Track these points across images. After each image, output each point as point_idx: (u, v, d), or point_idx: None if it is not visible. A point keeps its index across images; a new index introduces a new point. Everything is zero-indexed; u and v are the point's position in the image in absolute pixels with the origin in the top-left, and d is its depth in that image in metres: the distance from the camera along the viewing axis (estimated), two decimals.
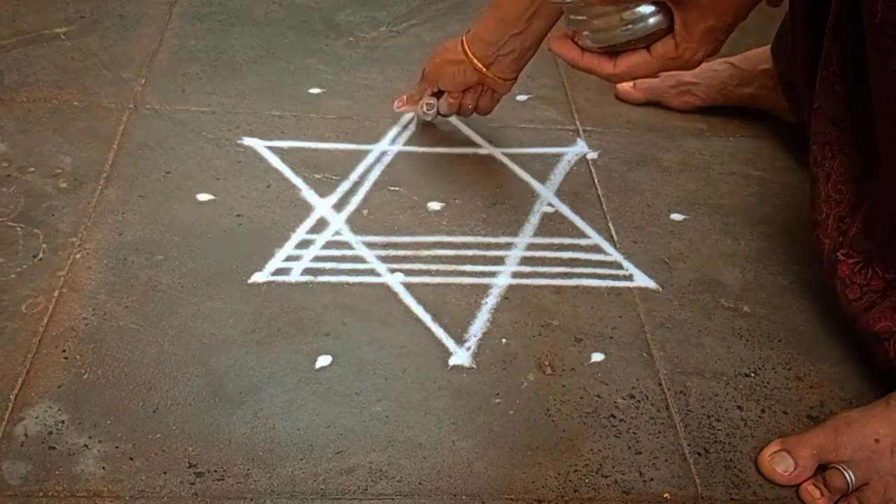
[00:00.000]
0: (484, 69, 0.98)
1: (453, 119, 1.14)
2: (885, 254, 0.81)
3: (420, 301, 0.89)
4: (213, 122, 1.11)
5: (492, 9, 0.96)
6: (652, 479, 0.75)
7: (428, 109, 1.08)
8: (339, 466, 0.73)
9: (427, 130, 1.13)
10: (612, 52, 0.73)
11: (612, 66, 0.73)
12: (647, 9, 0.69)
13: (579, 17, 0.72)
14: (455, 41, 1.00)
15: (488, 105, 1.05)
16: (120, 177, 1.01)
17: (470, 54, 0.98)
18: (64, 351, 0.81)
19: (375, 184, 1.04)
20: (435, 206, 1.01)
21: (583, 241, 0.98)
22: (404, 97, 1.09)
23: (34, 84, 1.15)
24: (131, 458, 0.72)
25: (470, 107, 1.05)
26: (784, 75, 1.07)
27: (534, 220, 1.01)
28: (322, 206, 1.00)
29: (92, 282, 0.87)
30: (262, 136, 1.09)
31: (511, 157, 1.10)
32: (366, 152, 1.09)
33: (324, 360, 0.82)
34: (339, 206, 1.00)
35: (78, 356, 0.80)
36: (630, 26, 0.70)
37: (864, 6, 0.72)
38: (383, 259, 0.94)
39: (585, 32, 0.72)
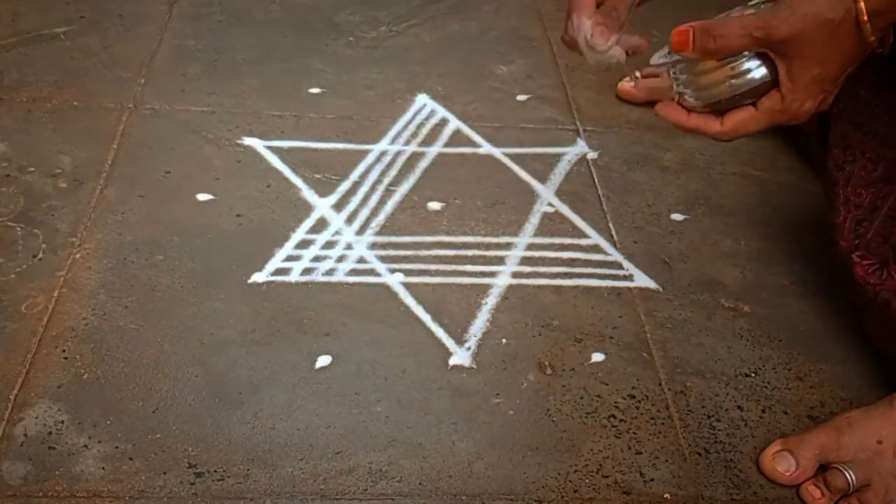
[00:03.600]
0: None
1: (453, 119, 1.14)
2: None
3: (420, 301, 0.89)
4: (212, 122, 1.11)
5: None
6: (652, 480, 0.75)
7: (635, 48, 0.77)
8: (339, 466, 0.73)
9: (426, 131, 1.13)
10: (719, 109, 0.71)
11: (718, 124, 0.71)
12: (751, 63, 0.68)
13: (683, 77, 0.71)
14: None
15: None
16: (120, 177, 1.01)
17: None
18: (64, 351, 0.80)
19: (375, 184, 1.04)
20: (435, 206, 1.01)
21: (583, 241, 0.98)
22: (602, 27, 0.74)
23: (34, 84, 1.15)
24: (131, 458, 0.72)
25: None
26: None
27: (534, 220, 1.01)
28: (322, 206, 1.00)
29: (92, 282, 0.87)
30: (262, 136, 1.09)
31: (511, 157, 1.10)
32: (366, 152, 1.09)
33: (324, 360, 0.82)
34: (338, 206, 1.00)
35: (78, 356, 0.80)
36: (734, 81, 0.68)
37: None
38: (383, 259, 0.94)
39: (690, 91, 0.71)
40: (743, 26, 0.65)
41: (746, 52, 0.67)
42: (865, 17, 0.64)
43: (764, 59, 0.68)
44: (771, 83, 0.68)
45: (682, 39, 0.67)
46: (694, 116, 0.72)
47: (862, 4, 0.63)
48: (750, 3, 0.72)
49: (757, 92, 0.69)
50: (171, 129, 1.09)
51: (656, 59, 0.72)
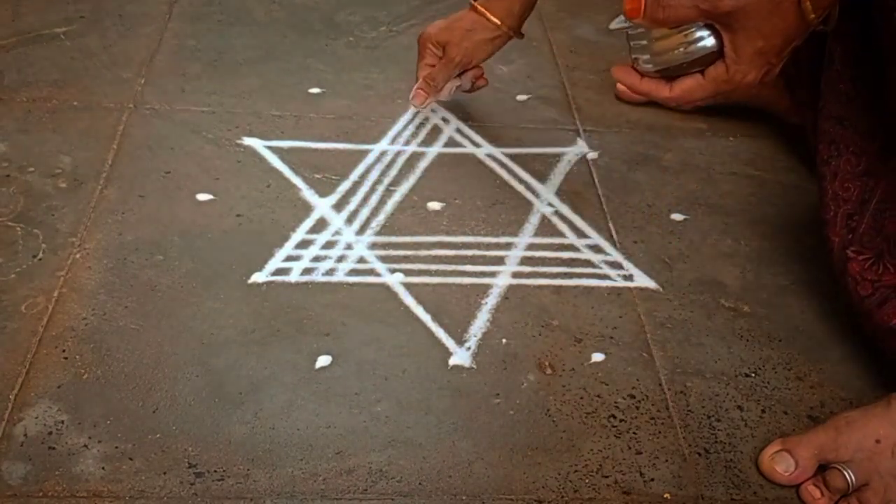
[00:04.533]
0: (513, 33, 1.04)
1: (453, 119, 1.15)
2: (894, 248, 0.81)
3: (420, 301, 0.89)
4: (213, 122, 1.11)
5: None
6: (652, 480, 0.75)
7: (458, 90, 1.11)
8: (339, 466, 0.73)
9: (426, 131, 1.13)
10: (669, 76, 0.76)
11: (668, 89, 0.76)
12: (703, 32, 0.72)
13: (641, 42, 0.76)
14: (463, 20, 1.04)
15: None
16: (120, 177, 1.01)
17: (501, 23, 1.03)
18: (63, 351, 0.80)
19: (375, 184, 1.04)
20: (435, 206, 1.01)
21: (583, 241, 0.98)
22: (420, 91, 1.07)
23: (34, 84, 1.15)
24: (131, 458, 0.72)
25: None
26: (787, 75, 1.08)
27: (534, 220, 1.01)
28: (322, 206, 1.00)
29: (92, 282, 0.87)
30: (262, 136, 1.09)
31: (511, 157, 1.10)
32: (366, 152, 1.09)
33: (324, 360, 0.82)
34: (338, 206, 1.00)
35: (78, 356, 0.80)
36: (688, 48, 0.73)
37: None
38: (383, 259, 0.94)
39: (645, 56, 0.76)
40: None
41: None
42: None
43: (713, 29, 0.72)
44: (719, 53, 0.72)
45: (634, 7, 0.72)
46: (646, 81, 0.78)
47: None
48: None
49: (706, 61, 0.73)
50: (171, 129, 1.09)
51: (615, 23, 0.77)
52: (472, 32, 1.04)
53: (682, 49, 0.73)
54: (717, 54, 0.73)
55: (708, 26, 0.72)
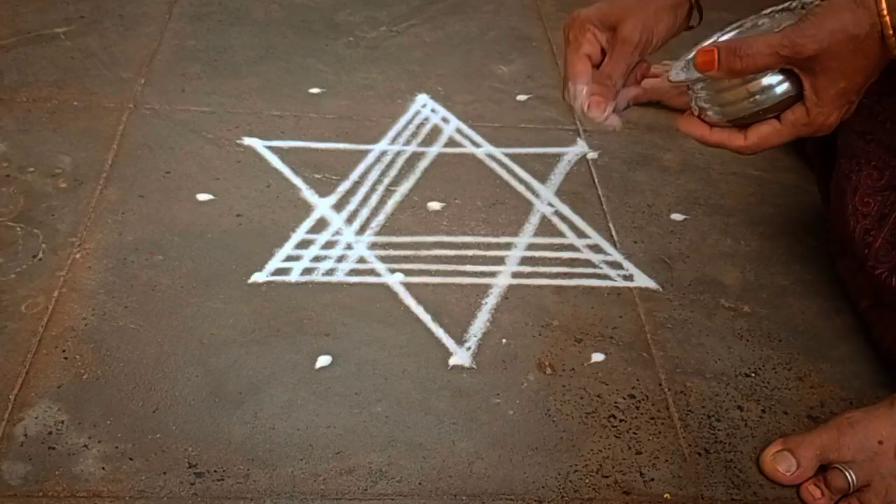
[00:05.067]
0: None
1: (453, 119, 1.15)
2: None
3: (420, 301, 0.89)
4: (212, 122, 1.11)
5: None
6: (652, 480, 0.75)
7: (637, 99, 0.79)
8: (339, 466, 0.73)
9: (426, 131, 1.13)
10: (741, 124, 0.70)
11: (742, 138, 0.70)
12: (773, 79, 0.67)
13: (704, 93, 0.71)
14: None
15: None
16: (120, 177, 1.01)
17: None
18: (64, 351, 0.80)
19: (375, 184, 1.04)
20: (435, 206, 1.01)
21: (583, 241, 0.98)
22: (598, 97, 0.74)
23: (34, 84, 1.15)
24: (131, 459, 0.72)
25: None
26: None
27: (534, 220, 1.01)
28: (322, 206, 1.00)
29: (92, 282, 0.87)
30: (262, 136, 1.09)
31: (511, 157, 1.10)
32: (366, 152, 1.08)
33: (324, 360, 0.82)
34: (338, 206, 1.00)
35: (78, 356, 0.80)
36: (756, 97, 0.68)
37: None
38: (383, 259, 0.94)
39: (711, 107, 0.71)
40: (769, 45, 0.65)
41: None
42: (891, 31, 0.64)
43: (786, 73, 0.67)
44: (794, 97, 0.68)
45: (708, 59, 0.67)
46: (717, 131, 0.71)
47: (887, 19, 0.63)
48: (763, 13, 0.71)
49: (780, 106, 0.68)
50: (171, 129, 1.09)
51: (675, 74, 0.71)
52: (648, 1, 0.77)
53: (751, 99, 0.68)
54: (790, 99, 0.68)
55: (781, 71, 0.67)
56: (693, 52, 0.69)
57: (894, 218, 0.82)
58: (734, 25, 0.72)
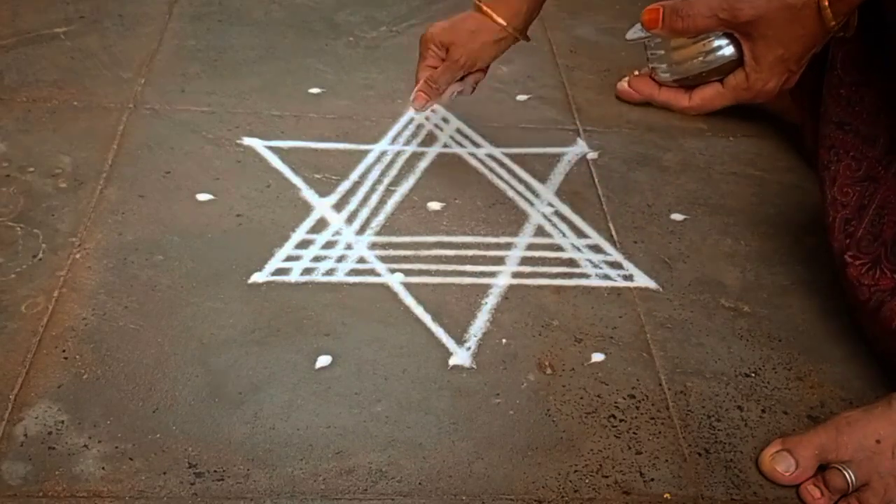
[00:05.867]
0: (519, 35, 1.00)
1: (453, 119, 1.14)
2: (892, 254, 0.81)
3: (420, 301, 0.89)
4: (212, 122, 1.11)
5: None
6: (652, 480, 0.75)
7: (458, 94, 1.03)
8: (339, 466, 0.73)
9: (426, 131, 1.13)
10: (688, 85, 0.75)
11: (686, 99, 0.76)
12: (722, 41, 0.72)
13: (658, 52, 0.76)
14: (467, 21, 1.00)
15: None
16: (120, 177, 1.01)
17: (507, 24, 0.99)
18: (64, 351, 0.80)
19: (375, 184, 1.04)
20: (435, 206, 1.01)
21: (583, 241, 0.98)
22: (421, 93, 1.00)
23: (34, 84, 1.15)
24: (131, 459, 0.72)
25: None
26: None
27: (534, 219, 1.01)
28: (322, 206, 1.00)
29: (92, 282, 0.87)
30: (262, 136, 1.09)
31: (511, 157, 1.10)
32: (366, 152, 1.09)
33: (324, 360, 0.82)
34: (338, 206, 1.00)
35: (78, 356, 0.80)
36: (706, 57, 0.73)
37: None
38: (383, 259, 0.94)
39: (663, 66, 0.76)
40: (709, 7, 0.70)
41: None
42: (826, 2, 0.67)
43: (733, 39, 0.71)
44: (738, 61, 0.72)
45: (652, 17, 0.72)
46: (665, 90, 0.77)
47: None
48: None
49: (724, 70, 0.73)
50: (171, 129, 1.09)
51: (631, 34, 0.77)
52: (477, 34, 0.99)
53: (700, 58, 0.73)
54: (735, 63, 0.72)
55: (726, 35, 0.71)
56: None
57: (874, 209, 0.83)
58: None
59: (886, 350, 0.82)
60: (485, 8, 1.00)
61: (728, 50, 0.72)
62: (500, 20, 1.00)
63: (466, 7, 1.05)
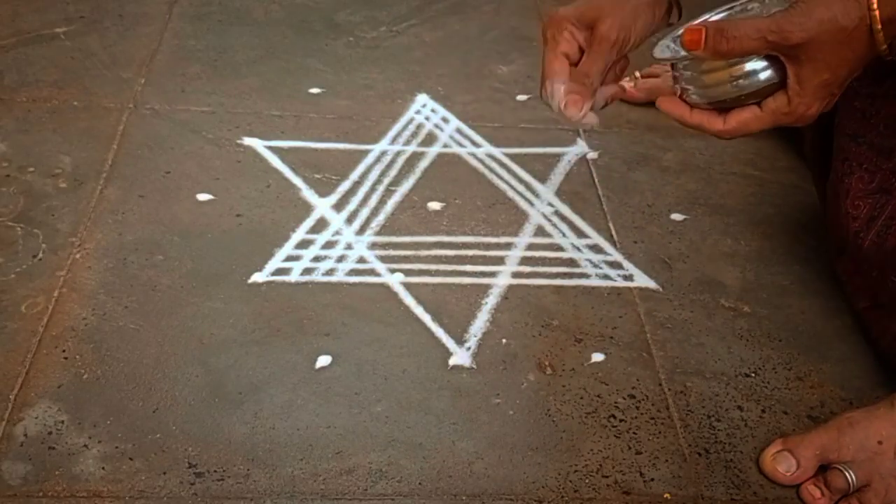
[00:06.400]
0: None
1: (453, 119, 1.15)
2: (893, 262, 0.81)
3: (420, 301, 0.89)
4: (212, 122, 1.11)
5: None
6: (652, 480, 0.75)
7: (614, 96, 0.79)
8: (339, 466, 0.73)
9: (426, 131, 1.13)
10: (722, 108, 0.70)
11: (721, 122, 0.70)
12: (757, 64, 0.67)
13: (688, 73, 0.70)
14: None
15: None
16: (120, 177, 1.01)
17: None
18: (64, 351, 0.80)
19: (375, 184, 1.04)
20: (435, 206, 1.01)
21: (583, 241, 0.98)
22: (575, 96, 0.74)
23: (34, 84, 1.15)
24: (131, 459, 0.72)
25: None
26: None
27: (534, 219, 1.01)
28: (322, 206, 1.00)
29: (92, 282, 0.87)
30: (262, 136, 1.09)
31: (511, 157, 1.10)
32: (366, 152, 1.09)
33: (324, 360, 0.82)
34: (338, 206, 1.00)
35: (78, 356, 0.80)
36: (739, 82, 0.68)
37: None
38: (383, 259, 0.94)
39: (694, 88, 0.70)
40: (757, 29, 0.64)
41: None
42: (880, 26, 0.63)
43: (771, 60, 0.67)
44: (777, 85, 0.67)
45: (695, 38, 0.66)
46: (696, 113, 0.71)
47: (877, 13, 0.63)
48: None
49: (762, 93, 0.68)
50: (171, 129, 1.09)
51: (659, 52, 0.71)
52: None
53: (734, 83, 0.68)
54: (774, 86, 0.67)
55: (767, 57, 0.67)
56: (681, 31, 0.68)
57: (883, 220, 0.82)
58: (724, 8, 0.71)
59: (888, 351, 0.82)
60: None
61: (764, 74, 0.67)
62: None
63: (466, 8, 1.05)
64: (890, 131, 0.82)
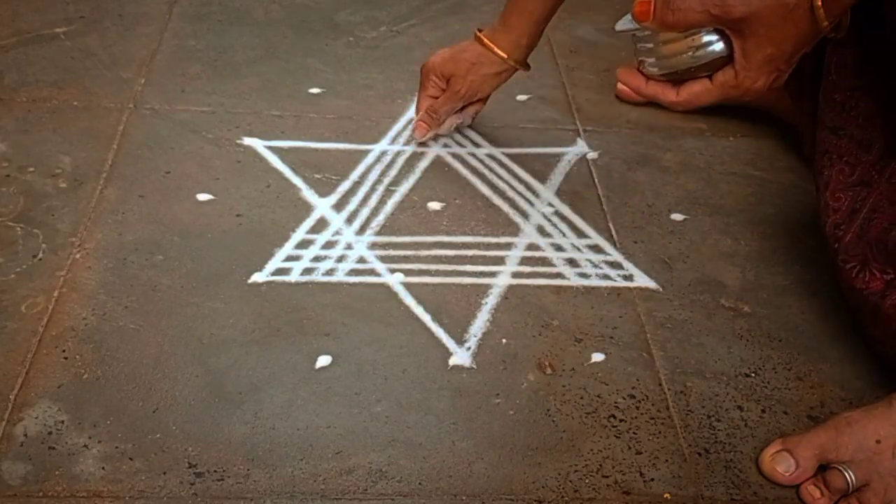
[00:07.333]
0: (519, 66, 1.02)
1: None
2: (878, 253, 0.81)
3: (420, 301, 0.89)
4: (212, 122, 1.11)
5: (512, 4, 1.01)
6: (652, 480, 0.75)
7: (460, 125, 1.11)
8: (339, 466, 0.73)
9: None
10: (676, 80, 0.75)
11: (674, 94, 0.76)
12: (712, 37, 0.71)
13: (647, 45, 0.75)
14: (468, 52, 1.02)
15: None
16: (120, 177, 1.01)
17: (507, 56, 1.01)
18: (64, 351, 0.80)
19: (375, 184, 1.04)
20: (435, 206, 1.01)
21: (583, 241, 0.98)
22: (422, 123, 1.06)
23: (34, 84, 1.15)
24: (131, 459, 0.72)
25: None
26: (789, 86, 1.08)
27: (534, 219, 1.01)
28: (322, 206, 1.00)
29: (92, 282, 0.87)
30: (262, 136, 1.09)
31: (511, 157, 1.10)
32: (366, 152, 1.09)
33: (324, 360, 0.82)
34: (338, 206, 1.00)
35: (78, 356, 0.80)
36: (695, 52, 0.72)
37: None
38: (383, 259, 0.94)
39: (651, 60, 0.75)
40: (701, 2, 0.69)
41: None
42: (819, 2, 0.67)
43: (722, 34, 0.71)
44: (727, 58, 0.71)
45: (644, 10, 0.72)
46: (652, 84, 0.77)
47: None
48: None
49: (713, 66, 0.72)
50: (171, 129, 1.09)
51: (620, 24, 0.76)
52: (478, 66, 1.01)
53: (689, 53, 0.72)
54: (725, 59, 0.71)
55: (717, 31, 0.71)
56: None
57: (864, 213, 0.83)
58: None
59: (887, 351, 0.82)
60: (485, 40, 1.01)
61: (718, 46, 0.71)
62: (500, 53, 1.00)
63: (466, 8, 1.06)
64: (870, 124, 0.83)
